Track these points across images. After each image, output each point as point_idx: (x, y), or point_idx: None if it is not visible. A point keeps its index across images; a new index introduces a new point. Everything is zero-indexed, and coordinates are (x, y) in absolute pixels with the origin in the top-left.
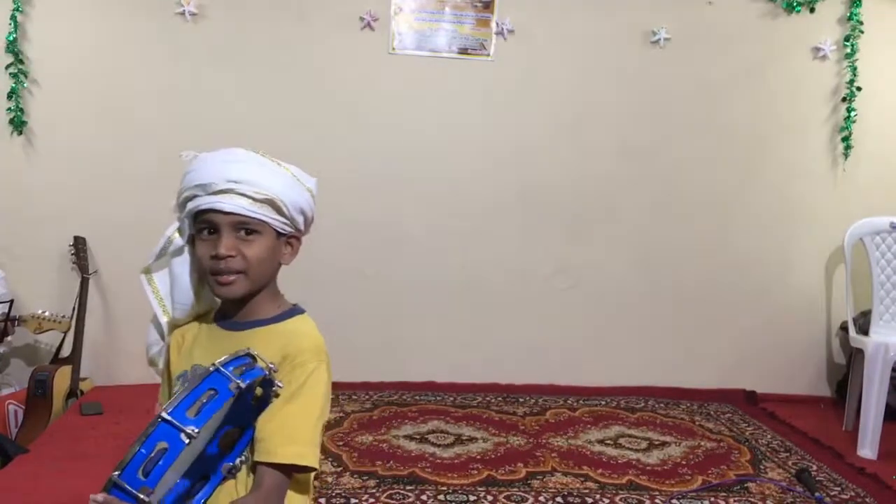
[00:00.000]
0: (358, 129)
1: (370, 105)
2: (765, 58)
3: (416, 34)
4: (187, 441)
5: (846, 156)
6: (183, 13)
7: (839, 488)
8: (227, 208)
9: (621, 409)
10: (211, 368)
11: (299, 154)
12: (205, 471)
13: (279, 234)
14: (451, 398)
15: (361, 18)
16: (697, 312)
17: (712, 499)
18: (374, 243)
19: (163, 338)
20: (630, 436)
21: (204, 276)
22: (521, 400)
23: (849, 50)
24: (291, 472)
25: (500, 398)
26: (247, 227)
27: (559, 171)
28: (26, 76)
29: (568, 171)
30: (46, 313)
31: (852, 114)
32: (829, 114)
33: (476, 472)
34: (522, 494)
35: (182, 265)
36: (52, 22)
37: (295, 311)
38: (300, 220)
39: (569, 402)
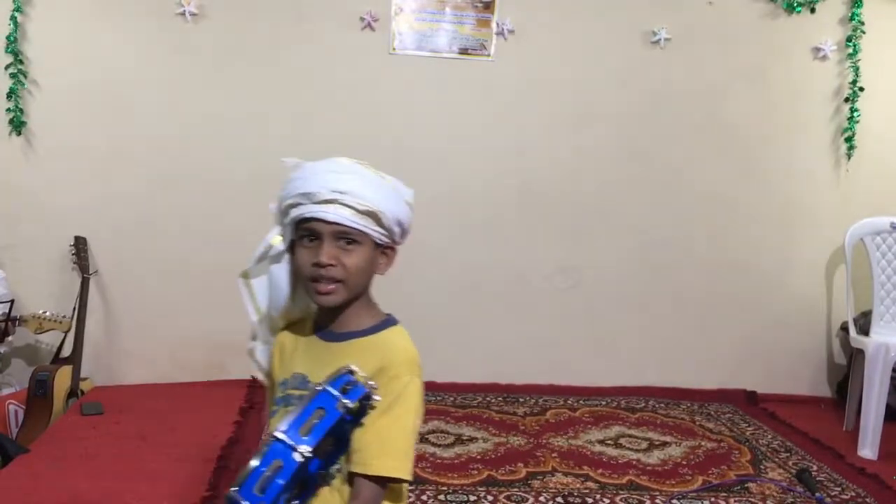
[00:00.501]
0: (358, 130)
1: (370, 105)
2: (765, 58)
3: (417, 34)
4: (300, 460)
5: (849, 156)
6: (183, 13)
7: (839, 488)
8: (331, 218)
9: (622, 410)
10: (318, 388)
11: (299, 154)
12: (301, 478)
13: (377, 245)
14: (452, 398)
15: (362, 19)
16: (698, 312)
17: (713, 499)
18: None
19: (254, 338)
20: (630, 436)
21: (303, 282)
22: (521, 400)
23: (851, 50)
24: (387, 484)
25: (500, 398)
26: (348, 237)
27: (559, 171)
28: (26, 76)
29: (568, 172)
30: (47, 313)
31: (855, 114)
32: (830, 114)
33: (476, 472)
34: (523, 494)
35: (281, 271)
36: (52, 22)
37: (389, 321)
38: (397, 231)
39: (569, 402)
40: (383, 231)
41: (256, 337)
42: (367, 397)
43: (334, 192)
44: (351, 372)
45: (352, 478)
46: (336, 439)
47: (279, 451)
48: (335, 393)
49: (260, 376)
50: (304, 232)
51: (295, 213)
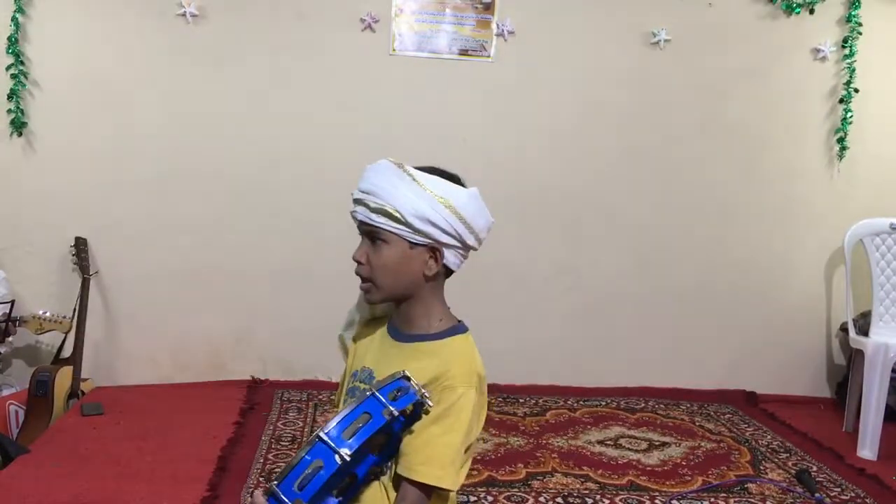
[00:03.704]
0: (358, 130)
1: (370, 106)
2: (764, 59)
3: (417, 35)
4: (340, 462)
5: (841, 157)
6: (184, 15)
7: (839, 489)
8: (358, 217)
9: (621, 410)
10: (368, 393)
11: (300, 155)
12: (352, 471)
13: (414, 245)
14: None
15: (362, 20)
16: (698, 313)
17: (712, 499)
18: None
19: (347, 327)
20: (630, 436)
21: None
22: (521, 400)
23: (847, 51)
24: (431, 491)
25: (500, 398)
26: (375, 236)
27: (559, 171)
28: (27, 77)
29: (568, 172)
30: (47, 314)
31: (849, 115)
32: (827, 115)
33: (476, 472)
34: (523, 495)
35: None
36: (53, 23)
37: (457, 329)
38: (430, 230)
39: (569, 402)
40: (406, 229)
41: (349, 326)
42: (420, 404)
43: (360, 191)
44: (405, 378)
45: (398, 479)
46: (388, 436)
47: (321, 452)
48: (383, 399)
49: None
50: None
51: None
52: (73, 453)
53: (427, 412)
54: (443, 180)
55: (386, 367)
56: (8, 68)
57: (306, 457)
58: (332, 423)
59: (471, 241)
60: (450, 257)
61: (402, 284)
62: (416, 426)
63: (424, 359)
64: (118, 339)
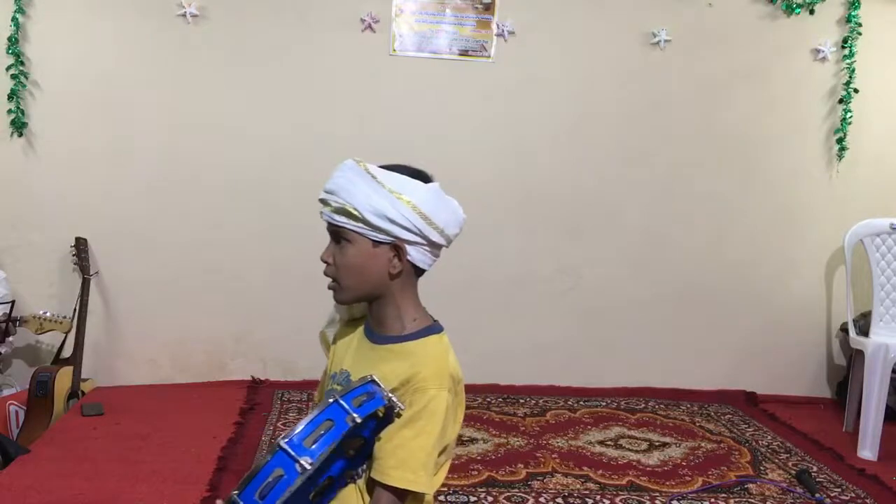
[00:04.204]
0: (358, 131)
1: (371, 106)
2: (765, 59)
3: (417, 36)
4: (300, 472)
5: (840, 157)
6: (184, 15)
7: (839, 489)
8: (324, 217)
9: (622, 410)
10: (330, 400)
11: (300, 155)
12: (328, 474)
13: (377, 243)
14: None
15: (362, 20)
16: (698, 313)
17: (712, 500)
18: None
19: (329, 324)
20: (630, 437)
21: None
22: (521, 401)
23: (847, 51)
24: (405, 495)
25: (500, 399)
26: (340, 236)
27: (559, 172)
28: (27, 77)
29: (568, 173)
30: (48, 314)
31: (848, 115)
32: (827, 115)
33: (476, 472)
34: (523, 495)
35: None
36: (54, 23)
37: (431, 329)
38: (390, 227)
39: (569, 402)
40: (365, 227)
41: (331, 323)
42: (391, 408)
43: (324, 192)
44: (373, 382)
45: (373, 483)
46: (365, 441)
47: (281, 460)
48: (346, 406)
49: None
50: None
51: None
52: (73, 454)
53: (399, 415)
54: (401, 176)
55: (362, 370)
56: (8, 68)
57: (267, 465)
58: (294, 431)
59: (435, 237)
60: (415, 255)
61: (368, 284)
62: (389, 430)
63: (396, 361)
64: (118, 339)
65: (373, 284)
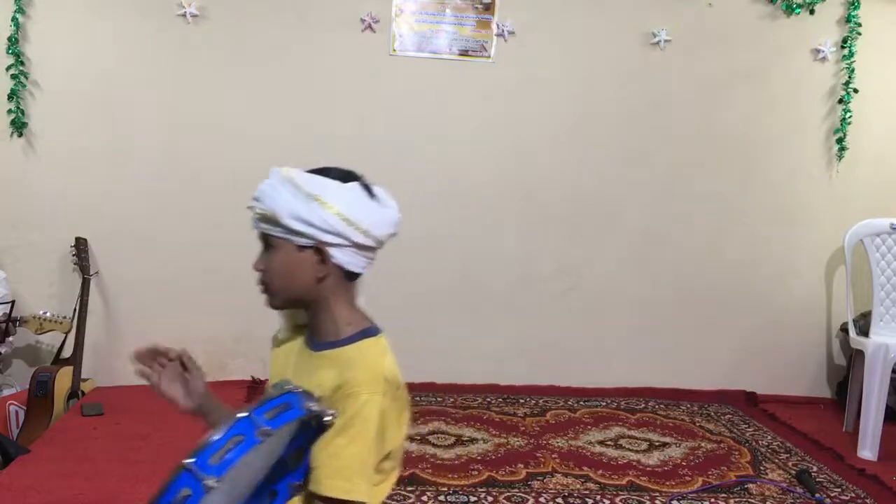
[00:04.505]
0: (358, 131)
1: (371, 106)
2: (765, 59)
3: (417, 36)
4: (206, 491)
5: (840, 157)
6: (184, 15)
7: (839, 489)
8: (254, 225)
9: (622, 410)
10: (239, 415)
11: (300, 155)
12: (273, 485)
13: (302, 248)
14: (452, 399)
15: (362, 20)
16: (698, 313)
17: (712, 500)
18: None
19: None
20: (630, 437)
21: None
22: (521, 401)
23: (846, 51)
24: None
25: (500, 399)
26: (268, 243)
27: (560, 172)
28: (27, 77)
29: (568, 173)
30: (48, 314)
31: (848, 115)
32: (826, 115)
33: (476, 472)
34: (523, 495)
35: None
36: (54, 23)
37: (366, 333)
38: (309, 230)
39: (569, 403)
40: (285, 231)
41: (282, 331)
42: (318, 417)
43: (252, 200)
44: (292, 392)
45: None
46: (303, 452)
47: (187, 480)
48: (257, 420)
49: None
50: None
51: None
52: (73, 454)
53: (331, 424)
54: (324, 179)
55: (301, 378)
56: (8, 69)
57: (172, 485)
58: (199, 448)
59: (359, 238)
60: (342, 258)
61: (296, 289)
62: (324, 439)
63: (331, 367)
64: (118, 340)
65: (301, 289)
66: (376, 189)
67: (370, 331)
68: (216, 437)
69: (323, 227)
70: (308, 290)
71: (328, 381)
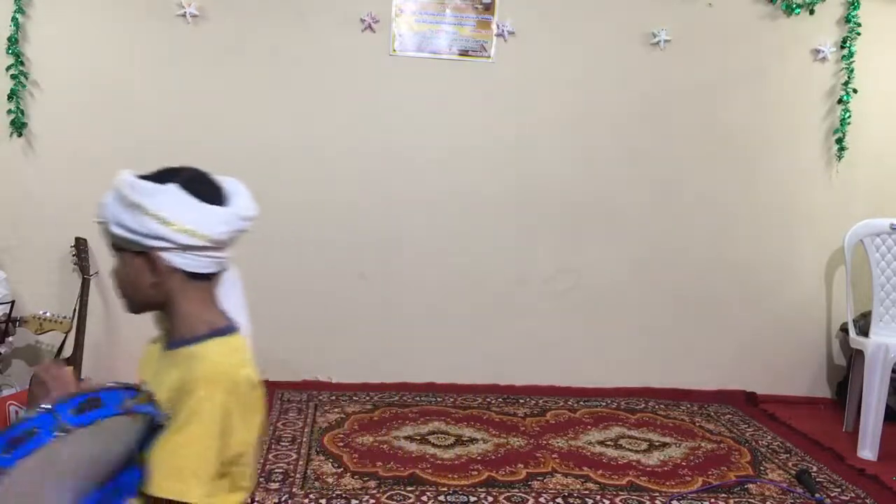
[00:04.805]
0: (358, 131)
1: (371, 107)
2: (765, 59)
3: (417, 36)
4: None
5: (839, 157)
6: (184, 15)
7: (839, 489)
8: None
9: (621, 411)
10: (40, 410)
11: (301, 155)
12: (120, 482)
13: (137, 253)
14: (452, 399)
15: (362, 20)
16: (697, 313)
17: (712, 500)
18: (375, 245)
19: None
20: (630, 437)
21: None
22: (521, 401)
23: (846, 52)
24: None
25: (500, 399)
26: (114, 251)
27: (559, 172)
28: (27, 78)
29: (568, 173)
30: (47, 314)
31: (847, 115)
32: (826, 115)
33: (476, 473)
34: (523, 495)
35: None
36: (54, 24)
37: (218, 332)
38: (132, 236)
39: (569, 403)
40: (119, 241)
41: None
42: (150, 417)
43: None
44: (112, 390)
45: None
46: (141, 452)
47: None
48: (59, 415)
49: None
50: None
51: None
52: None
53: (163, 424)
54: (147, 184)
55: (156, 378)
56: (8, 69)
57: None
58: None
59: (184, 240)
60: (176, 260)
61: (140, 295)
62: (161, 437)
63: (177, 366)
64: (118, 340)
65: (144, 295)
66: (212, 186)
67: (221, 330)
68: (15, 425)
69: (143, 232)
70: (150, 295)
71: (173, 380)
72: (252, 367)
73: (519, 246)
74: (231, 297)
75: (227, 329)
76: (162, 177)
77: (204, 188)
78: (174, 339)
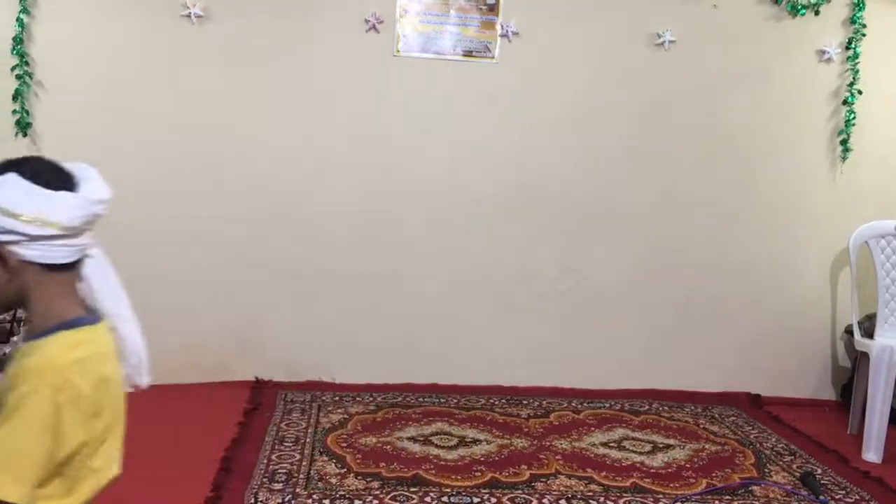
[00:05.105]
0: (362, 131)
1: (375, 107)
2: (770, 60)
3: (421, 36)
4: None
5: (844, 158)
6: (189, 15)
7: (844, 492)
8: None
9: (625, 412)
10: None
11: (303, 155)
12: None
13: None
14: (455, 400)
15: (366, 21)
16: (702, 315)
17: (717, 502)
18: (378, 245)
19: None
20: (634, 438)
21: None
22: (524, 402)
23: (851, 53)
24: None
25: (503, 400)
26: None
27: (563, 172)
28: (32, 78)
29: (572, 173)
30: None
31: (852, 117)
32: (830, 116)
33: (480, 474)
34: (526, 497)
35: None
36: (58, 24)
37: (65, 325)
38: None
39: (573, 404)
40: None
41: None
42: None
43: None
44: None
45: None
46: None
47: None
48: None
49: None
50: None
51: None
52: None
53: None
54: None
55: (6, 376)
56: (13, 69)
57: None
58: None
59: (33, 229)
60: (27, 252)
61: None
62: None
63: (19, 359)
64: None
65: (2, 292)
66: (58, 172)
67: (70, 322)
68: None
69: None
70: (8, 291)
71: (9, 375)
72: (105, 362)
73: (522, 246)
74: (104, 288)
75: (77, 322)
76: (0, 168)
77: (48, 175)
78: (29, 333)
